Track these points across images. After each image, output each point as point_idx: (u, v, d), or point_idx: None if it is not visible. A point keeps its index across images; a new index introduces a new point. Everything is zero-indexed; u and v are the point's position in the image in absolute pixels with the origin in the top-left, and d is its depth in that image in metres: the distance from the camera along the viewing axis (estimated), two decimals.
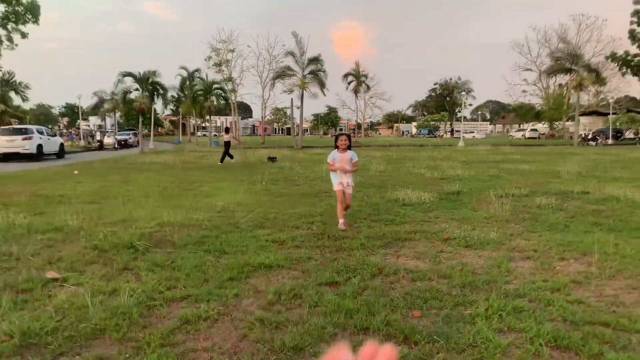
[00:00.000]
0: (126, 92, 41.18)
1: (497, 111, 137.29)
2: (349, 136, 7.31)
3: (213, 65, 49.34)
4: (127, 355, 2.99)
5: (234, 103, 53.37)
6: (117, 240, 5.85)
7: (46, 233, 6.39)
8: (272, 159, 21.23)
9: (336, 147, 7.09)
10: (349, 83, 62.63)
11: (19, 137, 25.15)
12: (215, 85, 48.49)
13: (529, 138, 66.31)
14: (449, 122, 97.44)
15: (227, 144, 20.65)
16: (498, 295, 4.00)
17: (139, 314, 3.64)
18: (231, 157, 20.84)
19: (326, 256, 5.30)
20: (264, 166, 18.76)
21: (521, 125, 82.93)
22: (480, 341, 3.15)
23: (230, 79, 49.09)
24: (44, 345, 3.10)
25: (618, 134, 51.74)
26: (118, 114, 65.38)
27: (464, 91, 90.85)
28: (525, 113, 70.12)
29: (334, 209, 8.47)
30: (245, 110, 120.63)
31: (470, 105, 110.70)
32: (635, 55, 44.37)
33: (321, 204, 9.03)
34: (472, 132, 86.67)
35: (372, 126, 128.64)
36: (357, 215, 7.81)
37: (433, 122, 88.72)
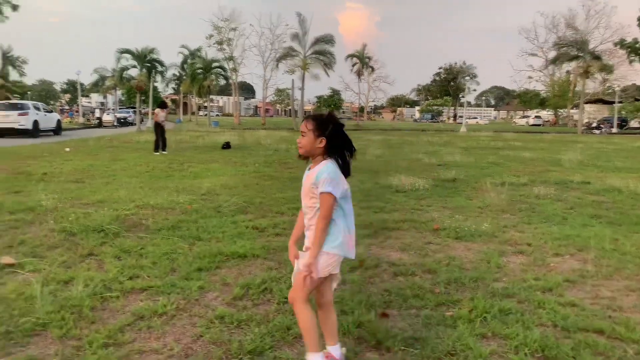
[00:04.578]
0: (123, 69, 40.55)
1: (501, 97, 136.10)
2: (321, 121, 2.48)
3: (214, 44, 48.55)
4: (62, 357, 2.68)
5: (234, 83, 52.66)
6: (88, 223, 5.54)
7: (16, 213, 6.07)
8: (227, 145, 17.91)
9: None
10: (353, 65, 61.69)
11: (15, 113, 24.75)
12: (215, 64, 47.72)
13: (533, 125, 65.58)
14: (452, 107, 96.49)
15: (158, 126, 15.89)
16: (484, 294, 3.68)
17: (91, 308, 3.33)
18: (163, 146, 15.81)
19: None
20: (260, 148, 18.40)
21: (525, 112, 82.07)
22: (460, 349, 2.84)
23: (231, 58, 48.36)
24: None
25: (623, 123, 51.07)
26: (120, 92, 64.82)
27: (468, 76, 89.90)
28: (529, 100, 69.28)
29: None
30: (248, 90, 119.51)
31: (474, 90, 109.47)
32: None
33: None
34: (475, 118, 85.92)
35: (376, 109, 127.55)
36: None
37: (436, 107, 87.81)
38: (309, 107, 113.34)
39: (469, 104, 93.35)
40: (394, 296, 3.66)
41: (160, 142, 15.79)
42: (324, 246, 2.45)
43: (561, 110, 69.43)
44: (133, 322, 3.16)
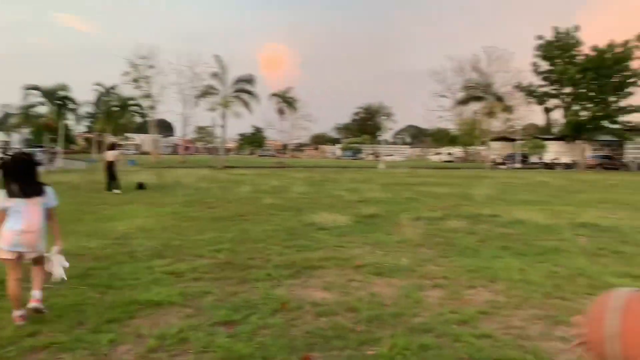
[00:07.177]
0: (29, 107, 38.17)
1: (416, 135, 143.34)
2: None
3: (131, 81, 47.22)
4: None
5: (152, 120, 51.28)
6: None
7: None
8: (140, 186, 17.24)
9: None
10: (277, 103, 62.45)
11: None
12: (131, 102, 46.28)
13: (445, 161, 69.45)
14: (371, 145, 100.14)
15: (110, 166, 16.04)
16: (404, 330, 3.74)
17: None
18: (116, 186, 15.81)
19: (226, 290, 4.82)
20: (179, 187, 17.87)
21: (438, 149, 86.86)
22: None
23: (149, 96, 47.23)
24: None
25: (524, 159, 55.46)
26: (27, 130, 60.67)
27: (385, 115, 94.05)
28: (441, 138, 73.49)
29: (246, 233, 8.02)
30: (167, 128, 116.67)
31: (391, 129, 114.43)
32: (539, 86, 48.00)
33: (233, 228, 8.52)
34: (392, 155, 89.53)
35: (300, 147, 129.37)
36: (269, 241, 7.39)
37: (356, 145, 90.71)
38: (231, 145, 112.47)
39: (386, 141, 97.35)
40: (317, 338, 3.62)
41: (113, 181, 16.10)
42: None
43: (470, 148, 74.22)
44: None
